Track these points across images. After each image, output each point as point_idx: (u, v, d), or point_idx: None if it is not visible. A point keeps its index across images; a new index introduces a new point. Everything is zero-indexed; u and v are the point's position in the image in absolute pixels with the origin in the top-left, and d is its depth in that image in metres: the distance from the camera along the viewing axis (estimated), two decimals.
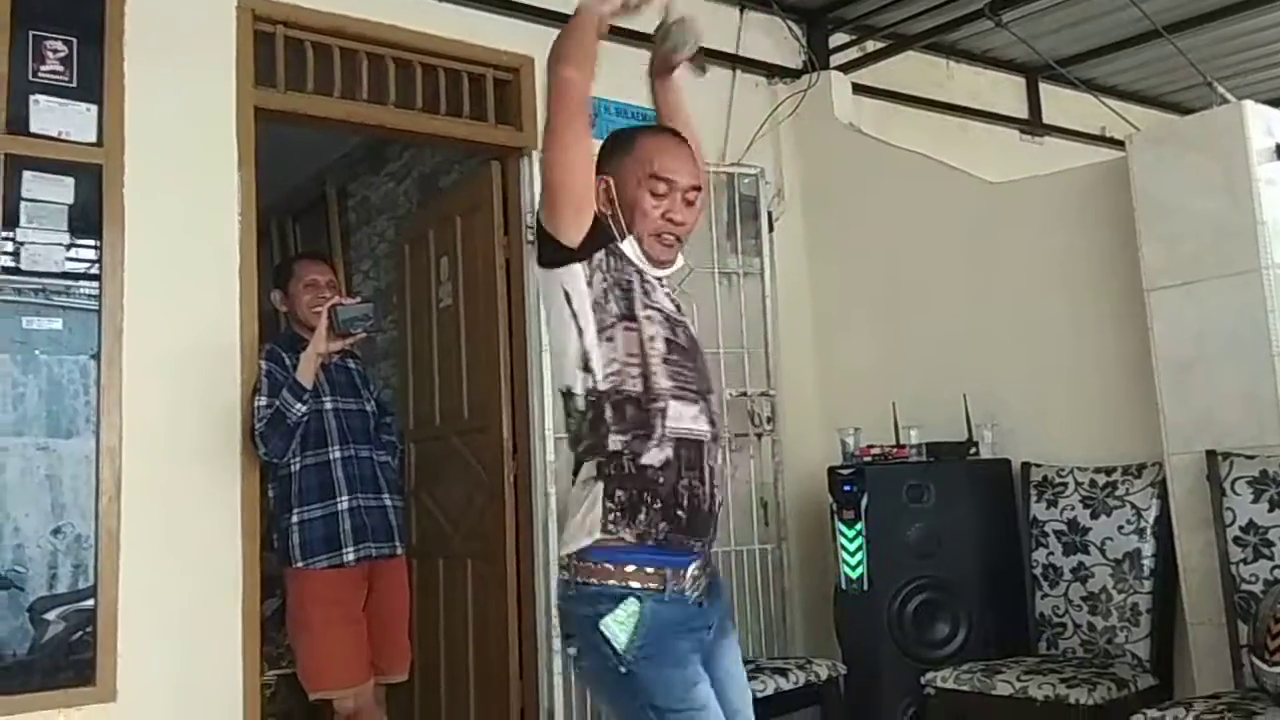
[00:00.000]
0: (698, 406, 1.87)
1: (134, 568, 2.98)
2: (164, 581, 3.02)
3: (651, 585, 1.81)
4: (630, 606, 1.79)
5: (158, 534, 3.03)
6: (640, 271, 1.93)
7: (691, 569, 1.85)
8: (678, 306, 1.99)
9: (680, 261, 2.03)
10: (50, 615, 2.90)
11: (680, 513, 1.83)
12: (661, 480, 1.82)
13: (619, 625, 1.78)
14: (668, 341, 1.88)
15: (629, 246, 1.94)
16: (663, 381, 1.85)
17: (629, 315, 1.87)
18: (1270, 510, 2.97)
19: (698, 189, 2.00)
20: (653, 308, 1.90)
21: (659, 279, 1.97)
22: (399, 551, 3.38)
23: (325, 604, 3.17)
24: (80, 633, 2.91)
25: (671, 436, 1.83)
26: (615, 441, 1.83)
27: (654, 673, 1.79)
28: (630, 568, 1.82)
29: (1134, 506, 3.37)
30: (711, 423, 1.89)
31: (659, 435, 1.82)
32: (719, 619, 1.94)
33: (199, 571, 3.11)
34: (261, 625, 3.26)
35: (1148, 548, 3.33)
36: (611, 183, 1.97)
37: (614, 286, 1.89)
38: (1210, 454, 3.12)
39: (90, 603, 2.92)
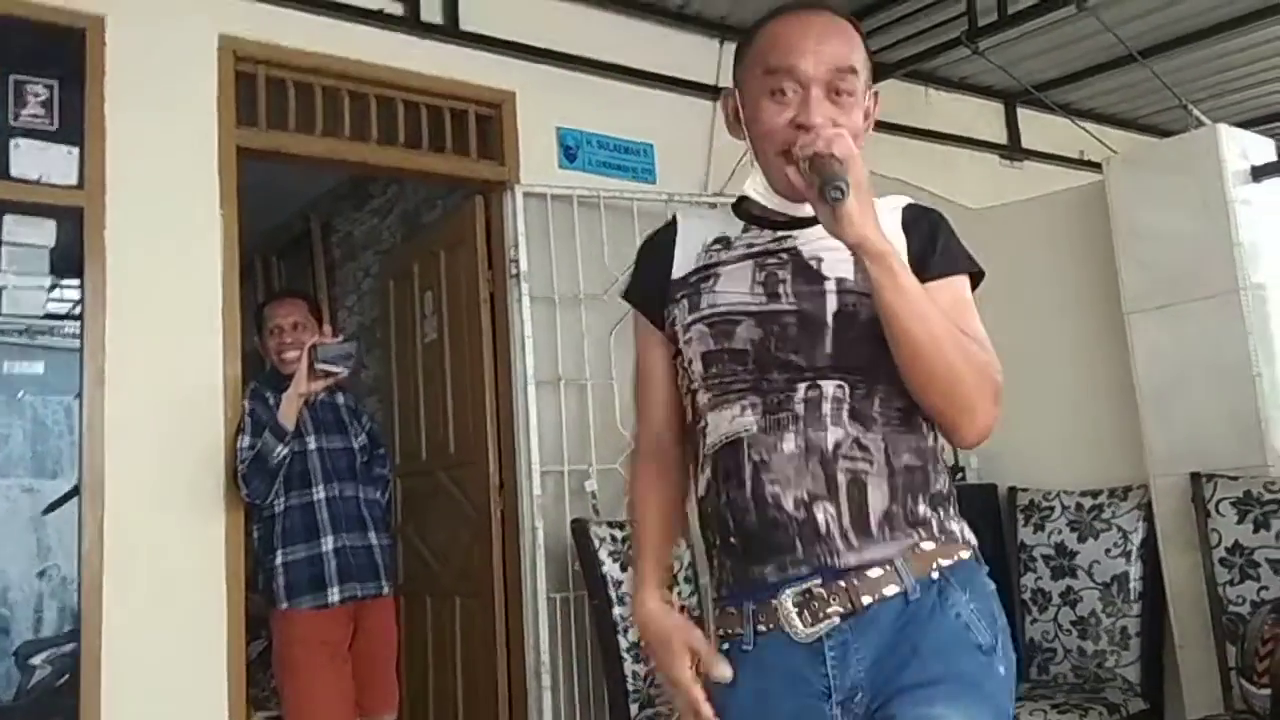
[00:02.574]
0: (741, 402, 1.40)
1: (118, 610, 2.95)
2: (148, 623, 3.00)
3: (730, 630, 1.42)
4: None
5: (141, 575, 3.00)
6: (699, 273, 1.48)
7: (786, 599, 1.35)
8: (778, 272, 1.43)
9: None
10: (36, 660, 2.87)
11: (732, 540, 1.40)
12: (709, 510, 1.44)
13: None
14: (705, 356, 1.44)
15: (750, 183, 1.47)
16: (701, 398, 1.45)
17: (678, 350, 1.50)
18: (1255, 531, 2.98)
19: (844, 71, 1.40)
20: (697, 320, 1.46)
21: (795, 228, 1.44)
22: (385, 591, 3.36)
23: (310, 646, 3.14)
24: (66, 677, 2.88)
25: (710, 454, 1.43)
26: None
27: None
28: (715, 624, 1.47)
29: (1120, 529, 3.37)
30: (764, 411, 1.38)
31: (702, 459, 1.45)
32: (887, 687, 1.32)
33: (184, 613, 3.08)
34: (247, 667, 3.23)
35: (1135, 570, 3.33)
36: (736, 97, 1.48)
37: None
38: (1194, 476, 3.13)
39: (74, 646, 2.89)
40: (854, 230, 1.27)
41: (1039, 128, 5.62)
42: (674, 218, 1.59)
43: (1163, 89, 4.72)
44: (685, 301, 1.47)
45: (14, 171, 2.98)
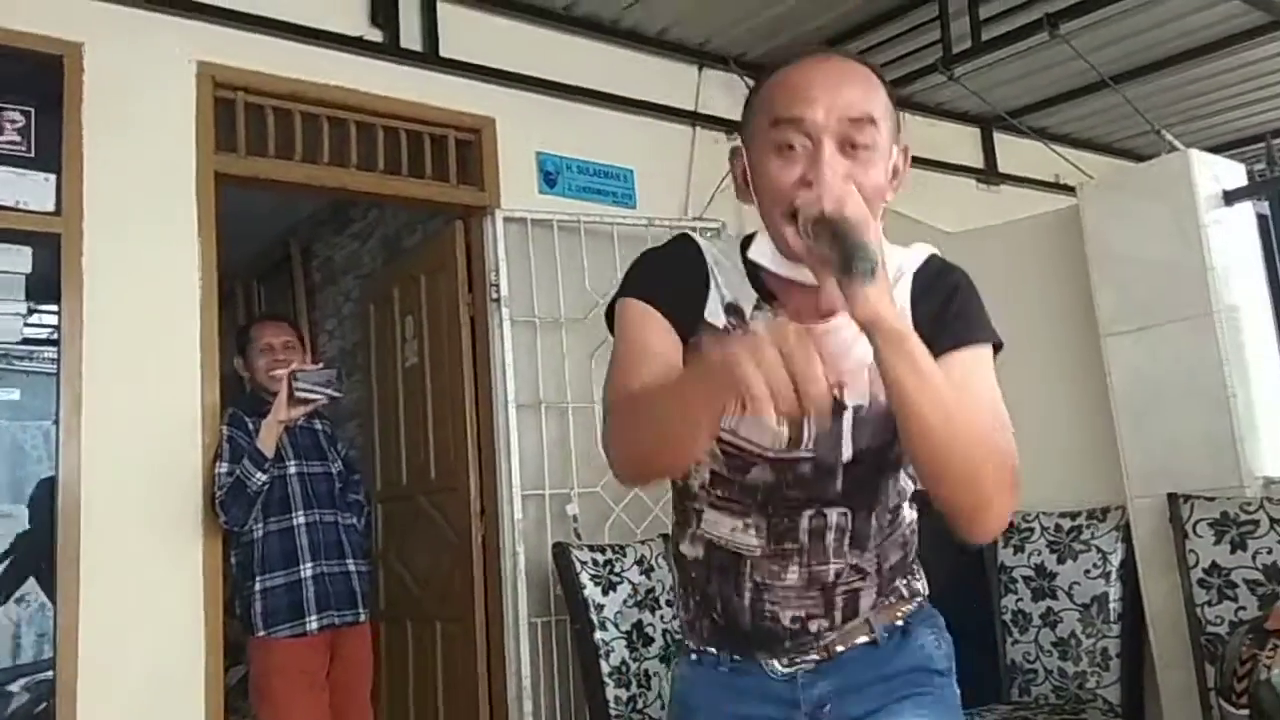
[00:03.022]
0: (745, 520, 1.38)
1: (95, 636, 2.92)
2: (126, 650, 2.97)
3: (704, 651, 1.48)
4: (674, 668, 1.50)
5: (119, 602, 2.98)
6: None
7: (761, 657, 1.43)
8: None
9: (887, 258, 1.24)
10: (13, 687, 2.84)
11: (720, 620, 1.43)
12: (695, 577, 1.45)
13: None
14: (714, 474, 1.39)
15: (759, 249, 1.34)
16: (700, 492, 1.42)
17: None
18: (1232, 552, 3.00)
19: (860, 120, 1.25)
20: (722, 442, 1.36)
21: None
22: (363, 618, 3.34)
23: (289, 675, 3.13)
24: (44, 704, 2.85)
25: (703, 538, 1.42)
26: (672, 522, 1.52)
27: None
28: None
29: (1100, 550, 3.39)
30: (769, 537, 1.37)
31: (691, 533, 1.44)
32: (854, 704, 1.40)
33: (162, 640, 3.06)
34: (227, 694, 3.21)
35: (1114, 591, 3.34)
36: (744, 156, 1.34)
37: None
38: (1171, 497, 3.15)
39: (52, 673, 2.86)
40: (868, 309, 1.12)
41: (1014, 152, 5.68)
42: (689, 238, 1.43)
43: (1135, 114, 4.78)
44: None
45: None
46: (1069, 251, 3.57)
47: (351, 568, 3.31)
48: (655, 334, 1.33)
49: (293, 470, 3.25)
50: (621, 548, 3.64)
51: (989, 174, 5.62)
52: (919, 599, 1.48)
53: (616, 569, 3.50)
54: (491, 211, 3.88)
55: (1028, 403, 3.75)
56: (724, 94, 4.68)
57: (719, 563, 1.41)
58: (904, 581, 1.46)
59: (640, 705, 3.51)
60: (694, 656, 1.48)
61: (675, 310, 1.34)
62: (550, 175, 4.10)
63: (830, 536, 1.37)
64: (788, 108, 1.26)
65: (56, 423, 2.98)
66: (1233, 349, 3.18)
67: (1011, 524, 3.59)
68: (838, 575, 1.38)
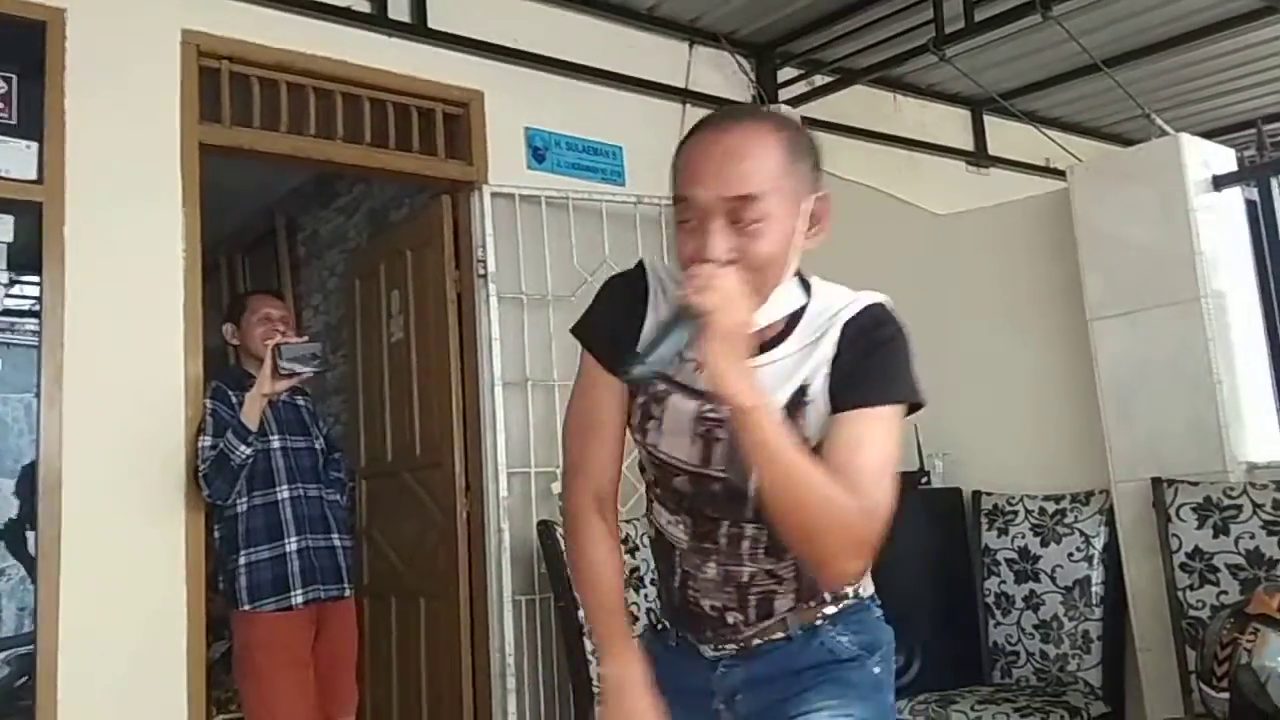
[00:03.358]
0: (676, 515, 1.53)
1: (76, 610, 2.90)
2: (106, 625, 2.95)
3: (662, 627, 1.65)
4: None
5: (100, 576, 2.96)
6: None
7: (690, 637, 1.59)
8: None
9: (771, 317, 1.43)
10: None
11: (663, 594, 1.63)
12: (653, 553, 1.65)
13: None
14: (653, 477, 1.56)
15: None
16: (649, 485, 1.59)
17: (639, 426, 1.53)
18: (1215, 536, 3.01)
19: (743, 199, 1.34)
20: (645, 447, 1.53)
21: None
22: (348, 593, 3.33)
23: (273, 649, 3.11)
24: (25, 678, 2.84)
25: (654, 523, 1.59)
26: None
27: None
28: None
29: (1083, 534, 3.40)
30: (692, 535, 1.52)
31: (649, 518, 1.62)
32: (762, 696, 1.53)
33: (143, 614, 3.04)
34: (209, 668, 3.20)
35: (1097, 575, 3.36)
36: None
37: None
38: (1155, 481, 3.16)
39: (33, 646, 2.85)
40: (718, 383, 1.28)
41: (1005, 135, 5.67)
42: (644, 270, 1.54)
43: (1126, 98, 4.77)
44: (641, 407, 1.50)
45: None
46: (1057, 235, 3.57)
47: (337, 542, 3.30)
48: (602, 402, 1.52)
49: (276, 445, 3.23)
50: None
51: (979, 156, 5.61)
52: (846, 602, 1.55)
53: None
54: (479, 187, 3.85)
55: (1014, 386, 3.78)
56: (714, 71, 4.66)
57: (661, 548, 1.58)
58: (828, 591, 1.53)
59: None
60: (659, 628, 1.65)
61: (611, 355, 1.47)
62: (539, 151, 4.07)
63: (745, 545, 1.50)
64: (681, 186, 1.38)
65: (37, 395, 2.95)
66: (1219, 334, 3.19)
67: (996, 506, 3.60)
68: (751, 577, 1.51)
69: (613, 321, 1.51)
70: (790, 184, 1.37)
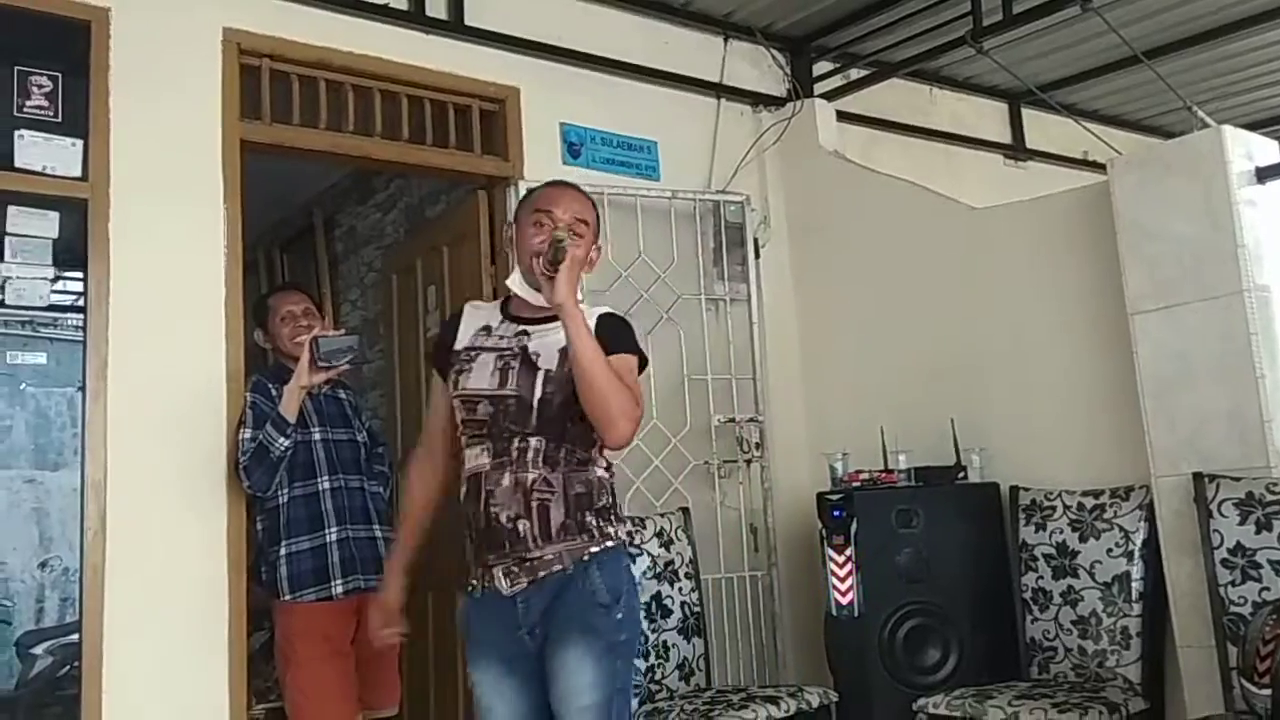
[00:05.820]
0: (481, 447, 2.22)
1: (119, 601, 2.96)
2: (150, 615, 3.01)
3: (471, 584, 2.25)
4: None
5: (143, 567, 3.01)
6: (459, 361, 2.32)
7: (498, 572, 2.18)
8: (512, 362, 2.25)
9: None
10: (37, 650, 2.87)
11: (472, 535, 2.23)
12: (463, 514, 2.25)
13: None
14: (462, 420, 2.27)
15: (514, 280, 2.29)
16: (462, 440, 2.28)
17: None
18: (1257, 532, 2.97)
19: (579, 220, 2.28)
20: (456, 397, 2.27)
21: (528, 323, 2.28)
22: None
23: (313, 638, 3.14)
24: (68, 667, 2.89)
25: (465, 478, 2.25)
26: None
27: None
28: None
29: (1122, 529, 3.37)
30: (493, 455, 2.20)
31: (463, 479, 2.26)
32: (550, 624, 2.16)
33: (185, 605, 3.09)
34: (249, 658, 3.23)
35: (1136, 570, 3.33)
36: (513, 227, 2.36)
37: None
38: (1196, 476, 3.12)
39: (76, 637, 2.90)
40: (560, 293, 2.08)
41: (1043, 128, 5.63)
42: (462, 309, 2.41)
43: (1167, 90, 4.72)
44: (455, 375, 2.28)
45: (18, 163, 2.99)
46: (1097, 229, 3.53)
47: (378, 533, 3.31)
48: (437, 395, 2.41)
49: (318, 436, 3.26)
50: (641, 520, 3.64)
51: (1017, 150, 5.57)
52: (610, 543, 2.21)
53: (636, 541, 3.48)
54: (515, 182, 3.87)
55: (1052, 380, 3.76)
56: (749, 66, 4.66)
57: (472, 488, 2.22)
58: (594, 521, 2.21)
59: (659, 676, 3.53)
60: (469, 589, 2.24)
61: (440, 368, 2.37)
62: (574, 146, 4.08)
63: (530, 454, 2.19)
64: (544, 204, 2.28)
65: (82, 389, 3.00)
66: (1263, 328, 3.15)
67: (1034, 501, 3.58)
68: (533, 483, 2.17)
69: (440, 346, 2.37)
70: (594, 227, 2.32)
